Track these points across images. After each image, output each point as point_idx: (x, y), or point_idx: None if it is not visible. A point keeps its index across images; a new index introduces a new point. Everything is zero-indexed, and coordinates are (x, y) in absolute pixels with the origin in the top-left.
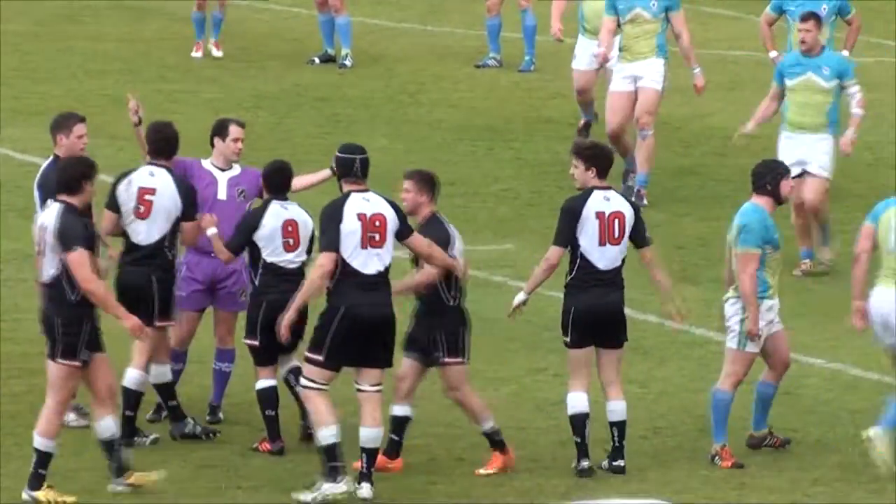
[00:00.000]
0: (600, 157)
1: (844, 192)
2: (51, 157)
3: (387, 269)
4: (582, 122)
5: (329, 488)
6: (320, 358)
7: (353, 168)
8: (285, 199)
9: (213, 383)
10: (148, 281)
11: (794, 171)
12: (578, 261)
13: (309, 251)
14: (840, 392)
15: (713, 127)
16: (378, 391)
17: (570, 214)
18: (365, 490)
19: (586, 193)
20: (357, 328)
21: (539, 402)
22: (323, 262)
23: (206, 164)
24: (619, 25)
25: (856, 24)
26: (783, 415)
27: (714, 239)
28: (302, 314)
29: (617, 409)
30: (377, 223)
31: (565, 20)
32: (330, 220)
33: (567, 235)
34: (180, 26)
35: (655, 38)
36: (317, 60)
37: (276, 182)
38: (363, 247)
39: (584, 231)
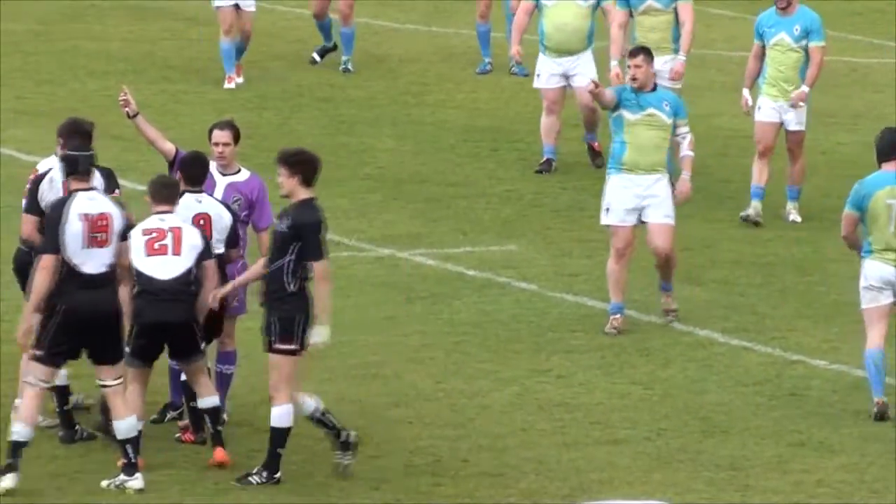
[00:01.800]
0: (306, 164)
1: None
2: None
3: (111, 268)
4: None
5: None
6: (41, 353)
7: (78, 165)
8: (200, 191)
9: (217, 386)
10: None
11: (631, 221)
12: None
13: (231, 243)
14: (844, 394)
15: (717, 127)
16: (120, 384)
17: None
18: (136, 483)
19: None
20: (78, 326)
21: (542, 404)
22: (45, 263)
23: (213, 166)
24: (631, 17)
25: (818, 59)
26: (788, 416)
27: (719, 240)
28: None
29: (311, 403)
30: (102, 222)
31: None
32: (52, 221)
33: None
34: (184, 26)
35: (670, 32)
36: (317, 58)
37: (193, 174)
38: (87, 246)
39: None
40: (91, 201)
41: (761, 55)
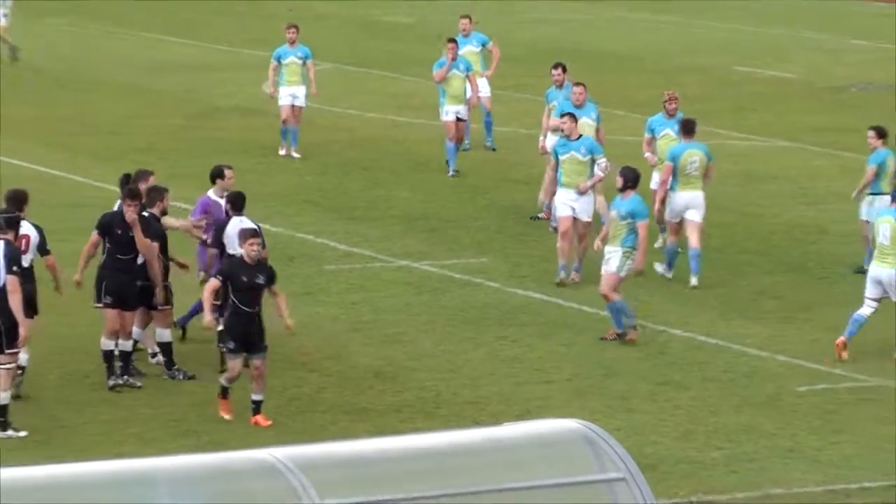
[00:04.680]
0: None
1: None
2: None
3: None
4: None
5: None
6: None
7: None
8: (242, 215)
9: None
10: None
11: (568, 212)
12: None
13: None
14: (693, 351)
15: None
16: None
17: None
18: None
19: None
20: None
21: (503, 358)
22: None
23: (212, 194)
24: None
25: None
26: (657, 365)
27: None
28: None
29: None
30: None
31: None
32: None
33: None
34: (276, 121)
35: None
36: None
37: (238, 204)
38: None
39: None
40: None
41: (651, 143)
